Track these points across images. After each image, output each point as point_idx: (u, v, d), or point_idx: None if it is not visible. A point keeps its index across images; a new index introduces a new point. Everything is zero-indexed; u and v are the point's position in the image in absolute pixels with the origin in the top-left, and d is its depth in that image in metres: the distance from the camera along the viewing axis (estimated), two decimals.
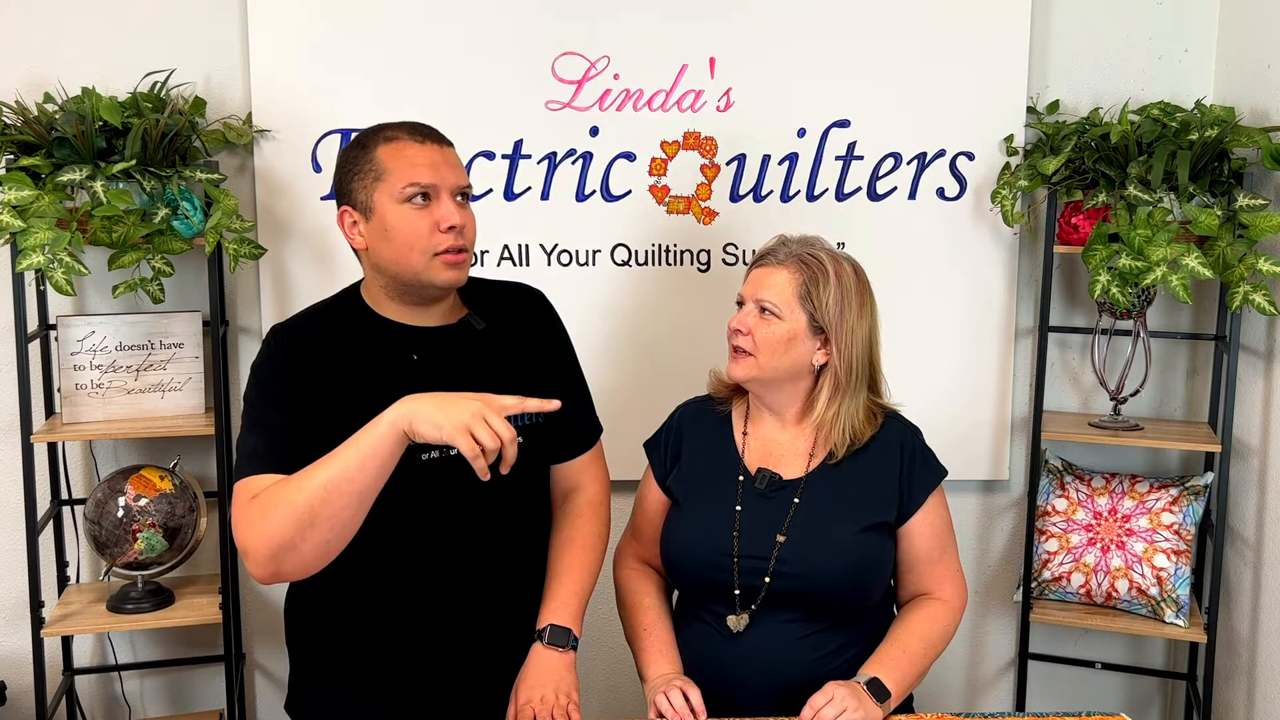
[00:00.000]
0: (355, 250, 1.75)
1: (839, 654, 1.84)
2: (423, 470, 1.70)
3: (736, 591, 1.83)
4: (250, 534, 1.57)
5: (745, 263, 2.62)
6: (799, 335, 1.83)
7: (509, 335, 1.82)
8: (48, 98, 2.38)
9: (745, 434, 1.93)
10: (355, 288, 1.80)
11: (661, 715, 1.76)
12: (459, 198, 1.71)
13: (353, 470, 1.52)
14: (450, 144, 1.75)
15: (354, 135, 1.78)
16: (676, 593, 2.02)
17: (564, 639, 1.77)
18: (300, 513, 1.53)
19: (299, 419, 1.66)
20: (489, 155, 2.58)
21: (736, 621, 1.84)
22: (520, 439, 1.76)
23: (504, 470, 1.53)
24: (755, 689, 1.83)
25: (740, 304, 1.89)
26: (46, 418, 2.54)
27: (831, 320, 1.83)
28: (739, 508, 1.86)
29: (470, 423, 1.48)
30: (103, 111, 2.29)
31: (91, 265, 2.36)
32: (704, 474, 1.93)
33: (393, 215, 1.67)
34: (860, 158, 2.62)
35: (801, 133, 2.61)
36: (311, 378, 1.69)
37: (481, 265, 2.60)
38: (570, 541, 1.87)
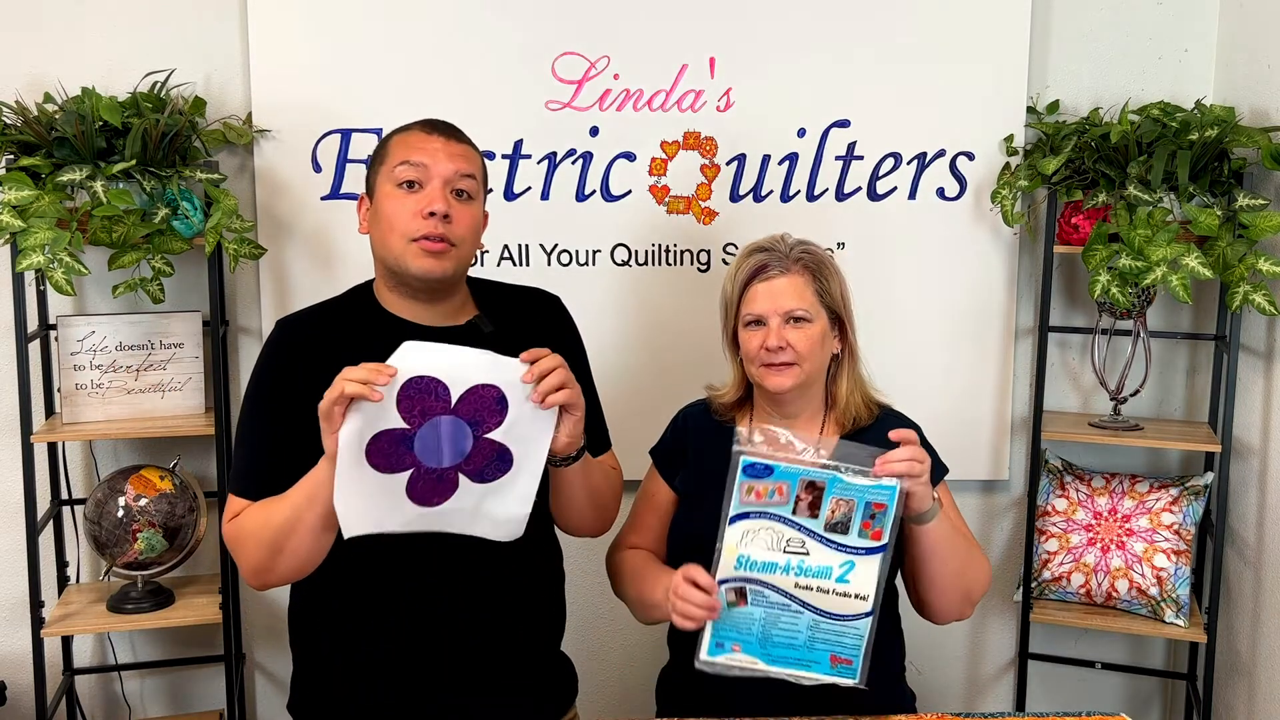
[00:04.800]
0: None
1: None
2: None
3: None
4: (234, 555, 1.71)
5: None
6: (826, 330, 1.87)
7: (519, 340, 1.80)
8: (48, 98, 2.38)
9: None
10: (369, 284, 1.82)
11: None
12: (455, 192, 1.71)
13: (302, 509, 1.59)
14: (464, 141, 1.75)
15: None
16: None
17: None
18: (267, 544, 1.64)
19: (280, 429, 1.70)
20: (489, 155, 2.57)
21: None
22: None
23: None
24: (755, 689, 1.82)
25: (757, 323, 1.86)
26: (46, 418, 2.54)
27: (841, 305, 1.89)
28: None
29: None
30: (103, 111, 2.29)
31: (91, 265, 2.36)
32: (711, 475, 1.91)
33: (383, 196, 1.71)
34: (860, 158, 2.62)
35: (801, 133, 2.61)
36: (302, 377, 1.69)
37: (481, 265, 2.60)
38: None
